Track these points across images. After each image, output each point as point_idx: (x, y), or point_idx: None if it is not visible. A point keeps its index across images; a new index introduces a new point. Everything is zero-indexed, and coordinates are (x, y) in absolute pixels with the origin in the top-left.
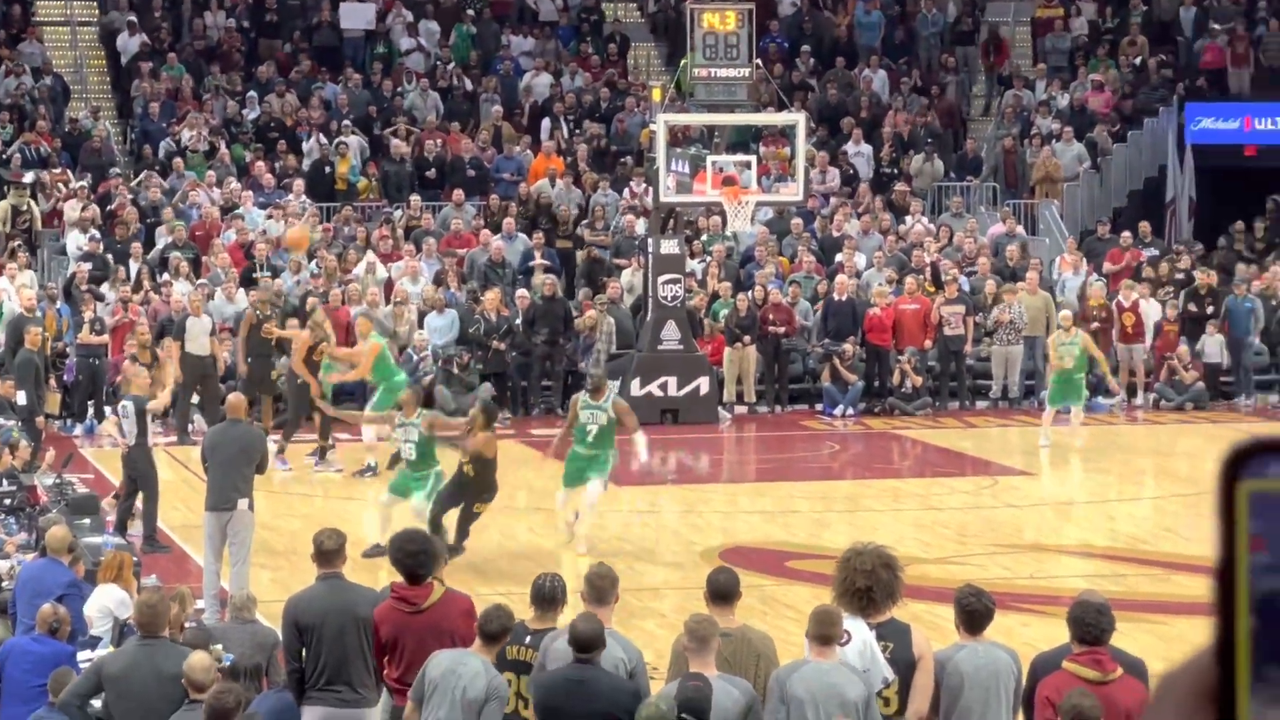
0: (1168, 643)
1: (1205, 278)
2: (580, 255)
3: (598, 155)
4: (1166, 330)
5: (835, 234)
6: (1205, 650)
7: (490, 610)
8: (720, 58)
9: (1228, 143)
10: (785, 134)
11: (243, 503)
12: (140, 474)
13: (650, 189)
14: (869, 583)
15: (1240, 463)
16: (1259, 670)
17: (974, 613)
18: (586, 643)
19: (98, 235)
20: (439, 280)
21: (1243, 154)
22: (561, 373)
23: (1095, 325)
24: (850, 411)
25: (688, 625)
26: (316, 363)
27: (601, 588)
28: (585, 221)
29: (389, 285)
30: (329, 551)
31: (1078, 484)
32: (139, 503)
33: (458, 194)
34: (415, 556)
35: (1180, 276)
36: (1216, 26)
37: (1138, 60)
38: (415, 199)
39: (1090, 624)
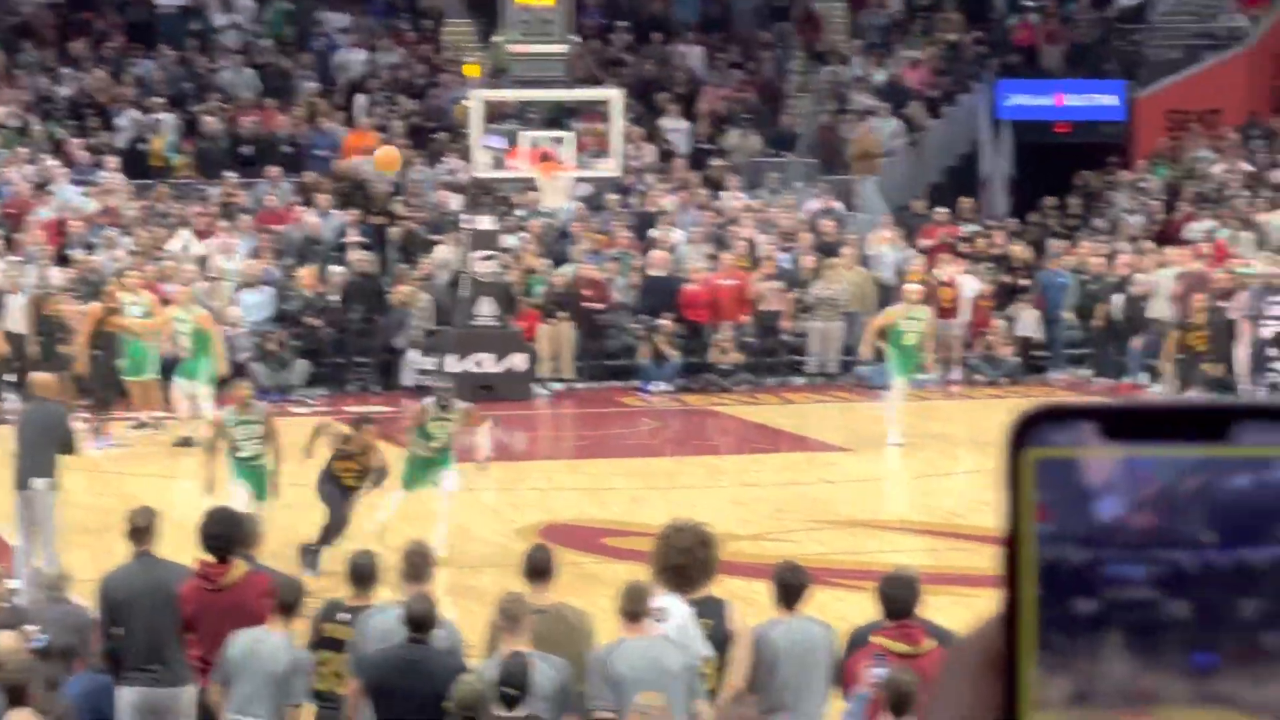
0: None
1: (1020, 253)
2: (395, 231)
3: (413, 131)
4: (982, 305)
5: (652, 209)
6: (994, 619)
7: (283, 582)
8: (536, 33)
9: (1040, 119)
10: (601, 109)
11: (41, 482)
12: None
13: (465, 165)
14: (685, 560)
15: (1026, 430)
16: (1044, 639)
17: (790, 588)
18: (421, 621)
19: None
20: (255, 257)
21: (1056, 130)
22: (377, 349)
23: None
24: (668, 387)
25: (499, 603)
26: (111, 334)
27: (419, 565)
28: (400, 197)
29: (205, 262)
30: (141, 529)
31: (894, 459)
32: None
33: (273, 170)
34: (218, 538)
35: (995, 252)
36: (1029, 3)
37: (953, 37)
38: (231, 176)
39: (895, 597)
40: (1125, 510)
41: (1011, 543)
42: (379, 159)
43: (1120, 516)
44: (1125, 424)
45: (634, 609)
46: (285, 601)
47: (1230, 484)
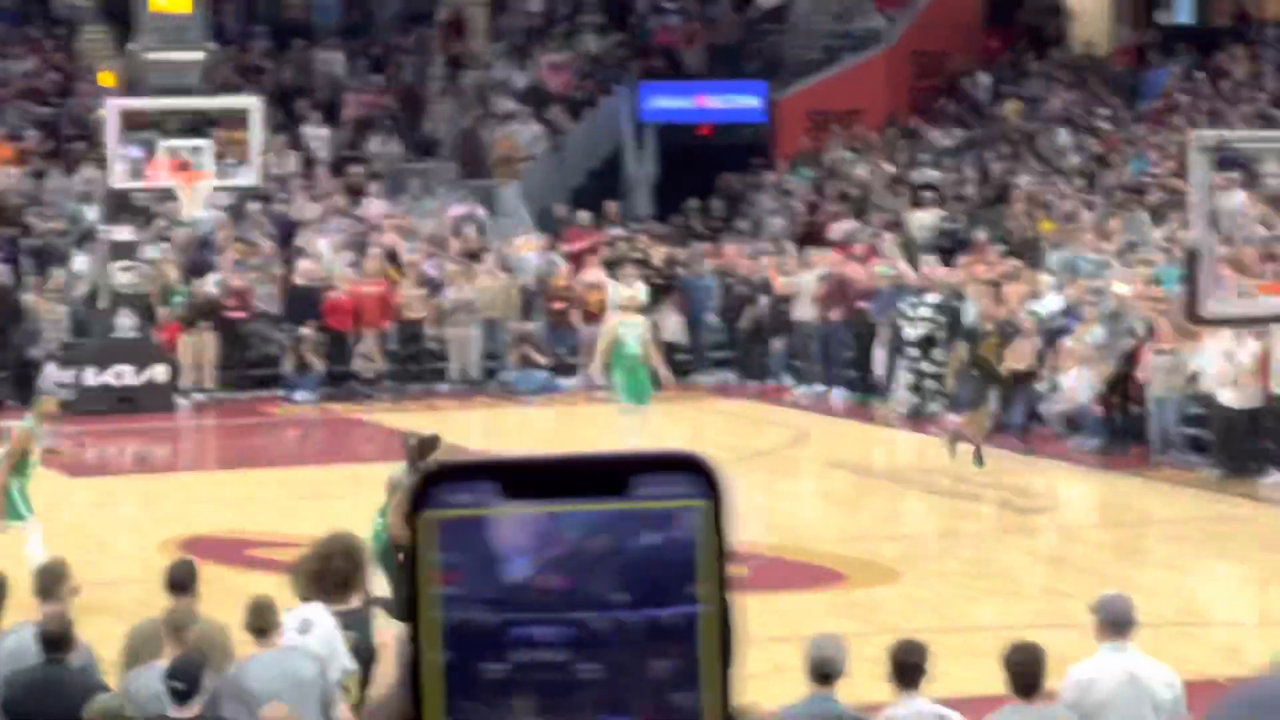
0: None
1: (663, 255)
2: (30, 243)
3: (48, 141)
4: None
5: (294, 217)
6: (402, 681)
7: None
8: (172, 40)
9: (682, 121)
10: (241, 117)
11: None
12: None
13: (103, 174)
14: (323, 567)
15: (425, 491)
16: (451, 703)
17: None
18: (58, 641)
19: None
20: None
21: (698, 132)
22: (12, 361)
23: (559, 305)
24: (312, 396)
25: (165, 614)
26: None
27: (52, 582)
28: (36, 208)
29: None
30: None
31: None
32: None
33: None
34: None
35: (639, 255)
36: (670, 6)
37: (594, 40)
38: None
39: None
40: (531, 570)
41: (414, 605)
42: None
43: (527, 577)
44: (525, 481)
45: (260, 624)
46: None
47: (634, 540)
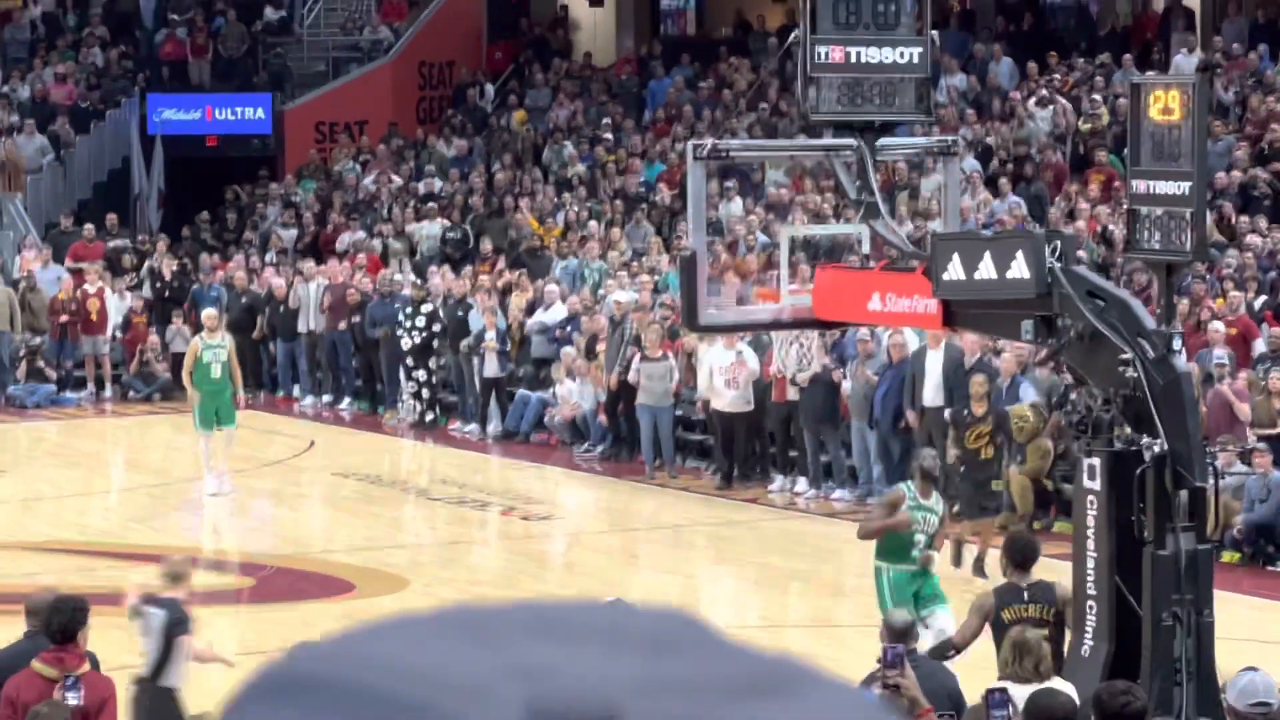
0: (120, 631)
1: (171, 267)
2: None
3: None
4: (135, 322)
5: None
6: None
7: None
8: None
9: (191, 133)
10: None
11: None
12: None
13: None
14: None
15: None
16: None
17: None
18: None
19: None
20: None
21: (205, 144)
22: None
23: (64, 318)
24: None
25: None
26: None
27: None
28: None
29: None
30: None
31: (47, 480)
32: None
33: None
34: None
35: (148, 267)
36: (176, 18)
37: (98, 52)
38: None
39: (51, 624)
40: None
41: None
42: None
43: None
44: None
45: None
46: None
47: None
